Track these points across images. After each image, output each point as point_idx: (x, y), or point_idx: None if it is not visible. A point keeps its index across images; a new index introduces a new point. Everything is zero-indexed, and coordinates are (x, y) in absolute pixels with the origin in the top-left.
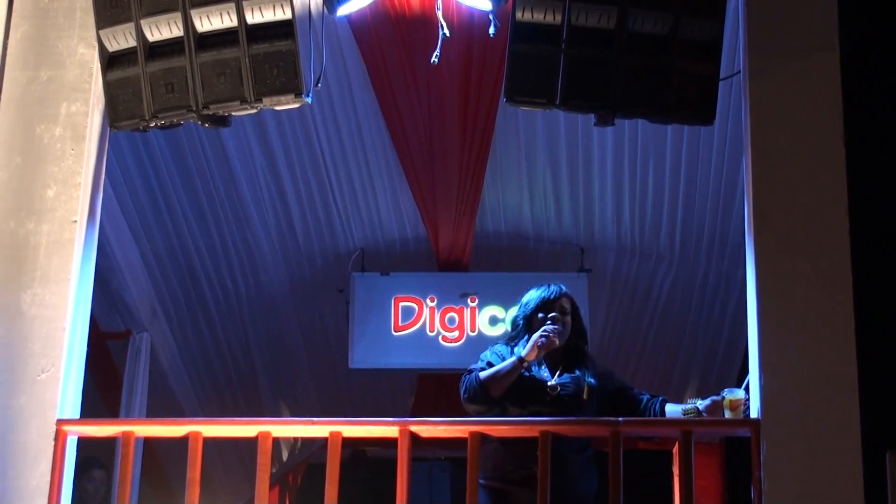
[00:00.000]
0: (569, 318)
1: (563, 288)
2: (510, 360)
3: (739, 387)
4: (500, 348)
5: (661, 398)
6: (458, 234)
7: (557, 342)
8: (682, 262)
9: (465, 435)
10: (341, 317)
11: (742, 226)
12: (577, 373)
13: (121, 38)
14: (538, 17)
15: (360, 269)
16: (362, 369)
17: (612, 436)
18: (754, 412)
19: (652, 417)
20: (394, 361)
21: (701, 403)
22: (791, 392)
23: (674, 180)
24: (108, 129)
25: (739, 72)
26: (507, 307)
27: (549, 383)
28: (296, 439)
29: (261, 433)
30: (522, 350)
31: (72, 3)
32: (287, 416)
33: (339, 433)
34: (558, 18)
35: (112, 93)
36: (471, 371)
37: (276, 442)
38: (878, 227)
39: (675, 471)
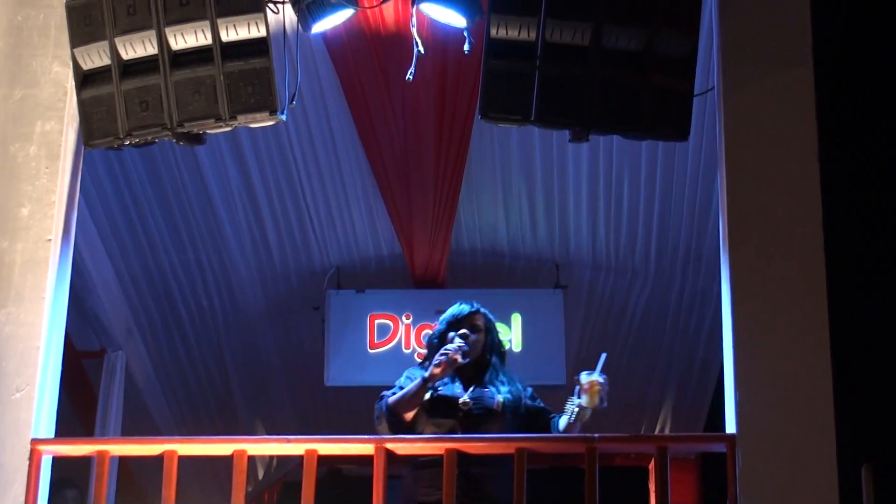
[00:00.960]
0: (481, 336)
1: (475, 305)
2: (415, 383)
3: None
4: (414, 371)
5: (558, 415)
6: (433, 251)
7: (459, 359)
8: (658, 277)
9: (441, 452)
10: (317, 334)
11: (717, 241)
12: (490, 388)
13: (95, 57)
14: (512, 33)
15: (336, 286)
16: (338, 387)
17: (588, 452)
18: (731, 427)
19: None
20: (370, 379)
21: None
22: (766, 407)
23: (649, 196)
24: (83, 147)
25: (714, 87)
26: None
27: (460, 399)
28: (271, 457)
29: (236, 451)
30: (425, 372)
31: (46, 20)
32: (263, 435)
33: (314, 451)
34: (533, 35)
35: (86, 111)
36: (382, 397)
37: (252, 460)
38: (852, 241)
39: (651, 487)
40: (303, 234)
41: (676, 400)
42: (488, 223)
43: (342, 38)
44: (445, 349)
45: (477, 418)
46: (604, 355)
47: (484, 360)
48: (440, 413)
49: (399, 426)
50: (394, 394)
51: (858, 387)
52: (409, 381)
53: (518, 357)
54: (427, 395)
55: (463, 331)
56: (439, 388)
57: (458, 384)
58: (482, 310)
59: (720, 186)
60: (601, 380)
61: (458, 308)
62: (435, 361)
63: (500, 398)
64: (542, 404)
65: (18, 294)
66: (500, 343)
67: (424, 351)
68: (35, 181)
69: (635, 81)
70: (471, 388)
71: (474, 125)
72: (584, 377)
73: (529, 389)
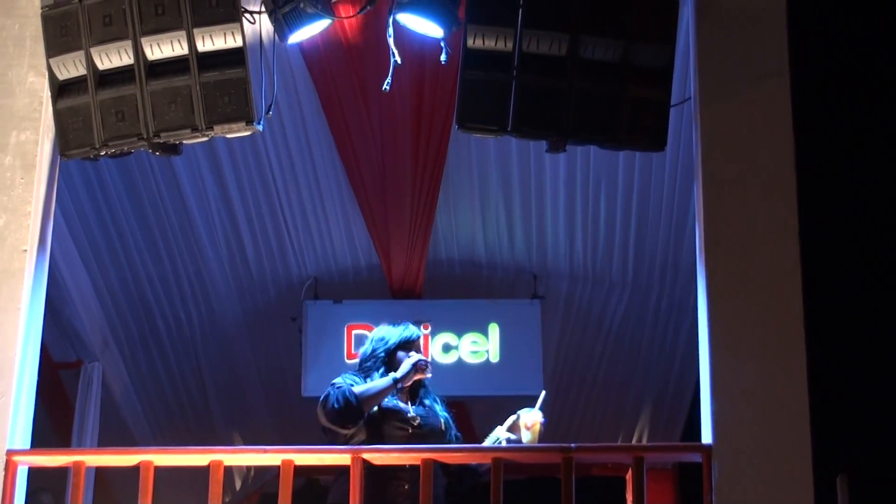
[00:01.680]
0: None
1: (421, 330)
2: (386, 380)
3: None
4: (353, 377)
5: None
6: (410, 261)
7: (427, 374)
8: (635, 288)
9: (418, 462)
10: (294, 345)
11: (694, 251)
12: (429, 403)
13: (71, 67)
14: (489, 44)
15: (313, 297)
16: (316, 397)
17: (564, 462)
18: (707, 438)
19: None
20: None
21: (501, 429)
22: (742, 417)
23: (626, 207)
24: (59, 157)
25: (690, 98)
26: (460, 335)
27: (408, 414)
28: (249, 468)
29: (213, 462)
30: (396, 373)
31: (21, 31)
32: (240, 445)
33: (291, 461)
34: (510, 45)
35: (62, 121)
36: (337, 386)
37: (229, 471)
38: (829, 252)
39: (628, 497)
40: (280, 245)
41: (653, 410)
42: (466, 234)
43: (319, 48)
44: (423, 359)
45: (424, 436)
46: (543, 393)
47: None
48: (391, 425)
49: (355, 420)
50: (349, 387)
51: (834, 397)
52: (354, 384)
53: (495, 368)
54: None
55: (419, 355)
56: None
57: (397, 398)
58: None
59: (697, 196)
60: (542, 419)
61: (409, 331)
62: (418, 364)
63: (441, 419)
64: (458, 433)
65: None
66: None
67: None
68: (10, 191)
69: (612, 92)
70: (415, 405)
71: (451, 136)
72: (527, 415)
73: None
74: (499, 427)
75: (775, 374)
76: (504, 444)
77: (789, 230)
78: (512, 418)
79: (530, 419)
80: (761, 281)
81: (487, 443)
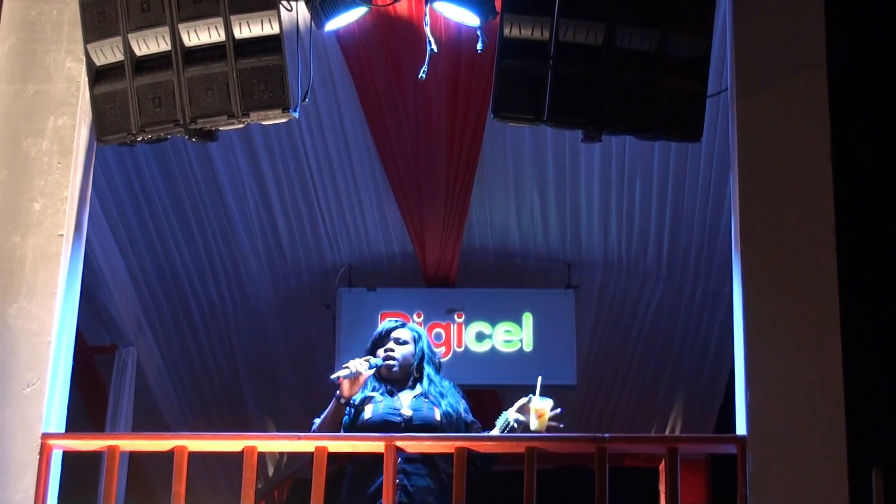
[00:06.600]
0: (408, 347)
1: (396, 322)
2: (330, 404)
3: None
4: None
5: (489, 429)
6: (444, 249)
7: (364, 371)
8: (670, 278)
9: (451, 450)
10: (328, 332)
11: (729, 243)
12: (429, 400)
13: (108, 52)
14: (526, 32)
15: (347, 284)
16: None
17: (598, 452)
18: (741, 429)
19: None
20: None
21: (511, 411)
22: (777, 409)
23: (661, 197)
24: (96, 142)
25: (727, 88)
26: (493, 323)
27: (400, 411)
28: (282, 454)
29: (246, 448)
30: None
31: (59, 16)
32: (273, 432)
33: (324, 448)
34: (546, 34)
35: (99, 107)
36: (312, 424)
37: (262, 457)
38: (864, 243)
39: (661, 488)
40: (314, 232)
41: (687, 401)
42: (500, 222)
43: (355, 35)
44: (345, 364)
45: (418, 429)
46: (540, 378)
47: (418, 370)
48: (383, 427)
49: None
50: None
51: (870, 388)
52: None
53: (529, 357)
54: (366, 412)
55: (389, 345)
56: (375, 401)
57: (396, 397)
58: (408, 325)
59: (732, 188)
60: (553, 409)
61: (381, 326)
62: (340, 374)
63: (439, 411)
64: (472, 418)
65: (30, 289)
66: (433, 354)
67: (437, 350)
68: (48, 176)
69: (648, 82)
70: (410, 400)
71: (487, 124)
72: (539, 403)
73: (464, 403)
74: (510, 409)
75: (811, 365)
76: (513, 424)
77: (825, 221)
78: (523, 400)
79: (541, 406)
80: (797, 272)
81: (499, 424)
